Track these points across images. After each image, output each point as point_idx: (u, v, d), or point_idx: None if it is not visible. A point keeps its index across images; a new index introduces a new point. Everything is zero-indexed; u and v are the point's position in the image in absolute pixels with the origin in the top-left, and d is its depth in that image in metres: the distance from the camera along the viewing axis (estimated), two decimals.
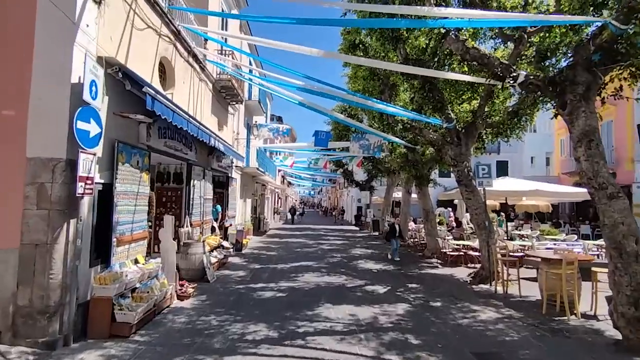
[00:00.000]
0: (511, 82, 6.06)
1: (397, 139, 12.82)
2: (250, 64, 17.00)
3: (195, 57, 9.55)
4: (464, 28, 6.66)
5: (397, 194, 23.43)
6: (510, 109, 9.32)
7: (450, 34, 6.42)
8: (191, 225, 9.16)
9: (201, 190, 10.12)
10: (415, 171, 13.14)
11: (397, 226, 12.74)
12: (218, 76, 11.68)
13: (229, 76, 11.63)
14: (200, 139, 8.15)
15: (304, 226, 29.12)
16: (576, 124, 5.45)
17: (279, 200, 43.06)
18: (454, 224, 18.43)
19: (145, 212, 6.63)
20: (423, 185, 13.29)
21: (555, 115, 6.32)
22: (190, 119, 7.56)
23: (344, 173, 27.06)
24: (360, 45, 11.11)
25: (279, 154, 21.56)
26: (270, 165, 25.00)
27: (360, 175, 29.50)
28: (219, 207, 12.46)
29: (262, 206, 25.84)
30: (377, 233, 21.92)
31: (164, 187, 9.20)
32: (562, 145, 31.20)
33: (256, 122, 14.80)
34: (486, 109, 9.07)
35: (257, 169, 17.50)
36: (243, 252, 13.48)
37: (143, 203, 6.48)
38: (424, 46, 8.69)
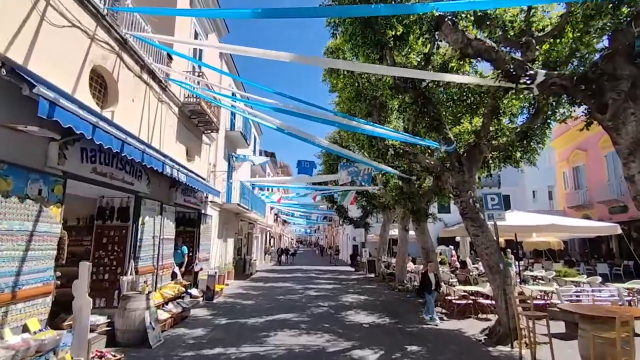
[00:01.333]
0: (528, 82, 4.67)
1: (389, 169, 11.38)
2: (233, 92, 16.00)
3: (152, 74, 8.29)
4: (463, 16, 5.39)
5: (394, 232, 21.69)
6: (518, 129, 7.94)
7: (446, 20, 5.13)
8: (137, 272, 7.42)
9: (156, 229, 8.46)
10: (412, 205, 11.57)
11: (431, 275, 9.43)
12: (186, 99, 10.41)
13: (198, 99, 10.36)
14: (155, 169, 6.66)
15: (295, 267, 26.99)
16: (623, 130, 4.01)
17: (272, 240, 40.98)
18: (458, 264, 16.57)
19: (50, 258, 4.96)
20: (421, 221, 11.67)
21: (588, 125, 4.88)
22: (134, 141, 6.10)
23: (337, 210, 25.41)
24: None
25: (266, 190, 20.07)
26: (258, 201, 23.42)
27: (354, 211, 27.88)
28: (184, 248, 10.73)
29: (249, 246, 23.93)
30: (373, 275, 19.91)
31: (105, 225, 7.56)
32: (564, 178, 29.98)
33: (232, 154, 13.43)
34: (491, 128, 7.68)
35: (239, 205, 15.89)
36: (215, 301, 11.55)
37: (44, 246, 4.83)
38: (415, 49, 7.46)
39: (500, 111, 7.49)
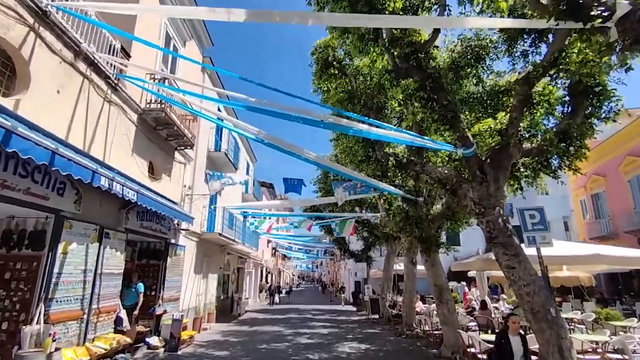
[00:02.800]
0: (603, 14, 2.92)
1: (391, 188, 9.53)
2: (218, 108, 14.53)
3: (94, 66, 6.71)
4: None
5: (400, 266, 19.42)
6: (556, 128, 6.14)
7: None
8: (47, 319, 5.42)
9: (89, 260, 6.53)
10: (419, 232, 9.59)
11: (515, 339, 5.44)
12: (148, 105, 8.81)
13: (163, 105, 8.76)
14: (80, 179, 4.91)
15: (291, 307, 24.41)
16: None
17: (269, 276, 38.33)
18: (475, 305, 14.20)
19: None
20: (431, 252, 9.63)
21: None
22: (36, 135, 4.38)
23: (336, 242, 23.26)
24: (335, 63, 8.43)
25: (255, 218, 18.12)
26: (250, 233, 21.38)
27: (356, 244, 25.68)
28: (140, 286, 8.69)
29: (239, 283, 21.62)
30: (376, 316, 17.45)
31: (11, 255, 5.66)
32: (583, 207, 27.83)
33: (207, 172, 11.69)
34: (522, 125, 5.91)
35: (222, 235, 13.93)
36: (180, 352, 9.33)
37: None
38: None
39: (534, 101, 5.73)
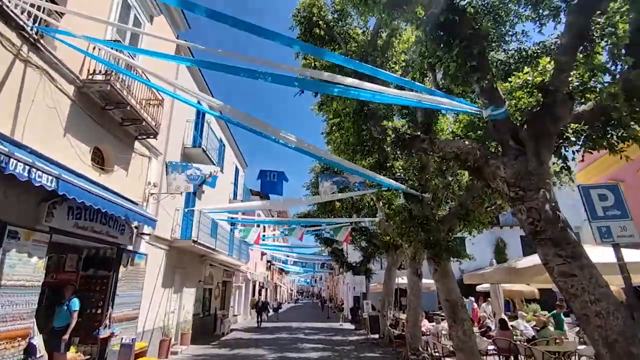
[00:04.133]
0: None
1: (391, 181, 7.78)
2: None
3: None
4: None
5: (403, 279, 17.48)
6: (623, 78, 4.40)
7: None
8: None
9: None
10: (426, 235, 7.78)
11: None
12: (90, 76, 7.15)
13: (108, 75, 7.10)
14: None
15: (283, 325, 22.31)
16: None
17: (264, 291, 36.17)
18: (490, 323, 12.27)
19: None
20: (441, 260, 7.78)
21: None
22: None
23: (332, 253, 21.36)
24: (321, 23, 6.81)
25: (243, 226, 16.34)
26: (238, 242, 19.52)
27: (354, 255, 23.77)
28: (74, 302, 6.85)
29: (224, 299, 19.62)
30: (376, 335, 15.45)
31: None
32: None
33: (170, 161, 9.92)
34: (572, 74, 4.21)
35: (196, 243, 12.11)
36: None
37: None
38: None
39: (594, 36, 4.03)
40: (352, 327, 20.85)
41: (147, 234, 9.67)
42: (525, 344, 8.90)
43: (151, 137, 9.35)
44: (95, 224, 7.40)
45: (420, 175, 8.25)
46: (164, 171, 10.62)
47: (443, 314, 18.84)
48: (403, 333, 12.60)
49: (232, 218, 15.09)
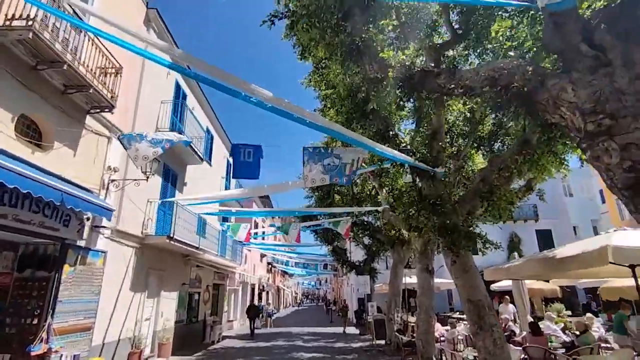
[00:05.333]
0: None
1: (396, 153, 6.18)
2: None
3: None
4: None
5: (412, 279, 15.81)
6: None
7: None
8: None
9: None
10: (441, 219, 6.16)
11: None
12: (8, 22, 5.62)
13: (34, 21, 5.57)
14: None
15: (283, 330, 20.68)
16: None
17: (265, 295, 34.57)
18: (515, 328, 10.57)
19: None
20: (460, 249, 6.13)
21: None
22: None
23: (334, 252, 19.71)
24: None
25: (227, 221, 14.78)
26: (230, 242, 17.97)
27: (357, 254, 22.12)
28: None
29: (217, 304, 18.04)
30: (382, 341, 13.78)
31: None
32: (620, 207, 24.16)
33: (124, 134, 8.28)
34: None
35: (171, 239, 10.55)
36: None
37: None
38: None
39: None
40: (357, 331, 19.17)
41: (104, 228, 8.12)
42: (564, 354, 7.23)
43: (106, 110, 7.81)
44: (21, 210, 5.86)
45: (432, 144, 6.63)
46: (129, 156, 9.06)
47: (456, 316, 17.17)
48: (413, 339, 10.94)
49: (221, 211, 13.50)
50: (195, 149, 12.74)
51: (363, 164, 6.74)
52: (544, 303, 17.72)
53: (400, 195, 7.25)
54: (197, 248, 12.59)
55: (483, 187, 6.45)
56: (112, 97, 7.76)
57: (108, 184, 8.39)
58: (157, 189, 11.09)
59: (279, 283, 47.36)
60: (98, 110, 7.74)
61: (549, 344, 8.06)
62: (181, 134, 11.56)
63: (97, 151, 8.00)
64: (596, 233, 28.74)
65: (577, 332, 8.15)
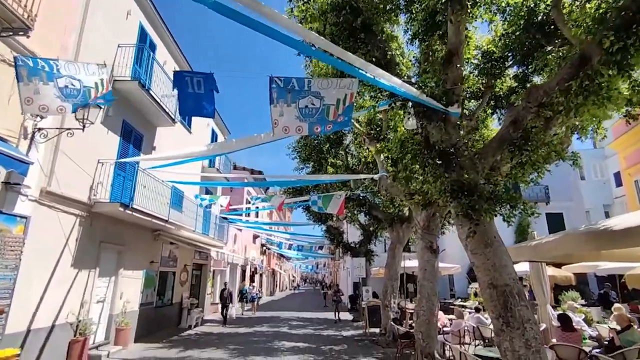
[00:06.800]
0: None
1: (396, 81, 4.41)
2: None
3: None
4: None
5: (412, 262, 14.21)
6: None
7: None
8: None
9: None
10: (456, 175, 4.44)
11: None
12: None
13: None
14: None
15: (272, 314, 19.27)
16: None
17: (259, 277, 33.24)
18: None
19: None
20: (481, 215, 4.42)
21: None
22: None
23: (327, 232, 18.11)
24: None
25: (209, 194, 13.12)
26: (214, 219, 16.38)
27: (353, 235, 20.55)
28: None
29: (198, 285, 16.56)
30: (377, 329, 12.27)
31: None
32: (639, 189, 22.38)
33: (17, 57, 6.42)
34: None
35: (127, 208, 8.89)
36: None
37: None
38: None
39: None
40: (350, 317, 17.72)
41: (26, 187, 6.43)
42: (608, 355, 5.59)
43: (20, 34, 6.01)
44: None
45: (446, 71, 4.85)
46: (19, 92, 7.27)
47: (457, 304, 15.62)
48: (410, 330, 9.37)
49: (197, 181, 11.81)
50: (165, 108, 10.98)
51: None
52: (553, 291, 16.18)
53: (402, 144, 5.48)
54: (166, 222, 10.95)
55: (514, 133, 4.69)
56: (28, 16, 5.96)
57: (33, 133, 6.66)
58: (113, 149, 9.37)
59: (275, 266, 46.14)
60: (10, 33, 5.95)
61: (583, 341, 6.46)
62: (145, 88, 9.79)
63: (12, 89, 6.24)
64: (608, 217, 27.05)
65: (618, 328, 6.51)
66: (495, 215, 4.46)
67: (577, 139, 6.87)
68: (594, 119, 4.86)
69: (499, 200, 4.44)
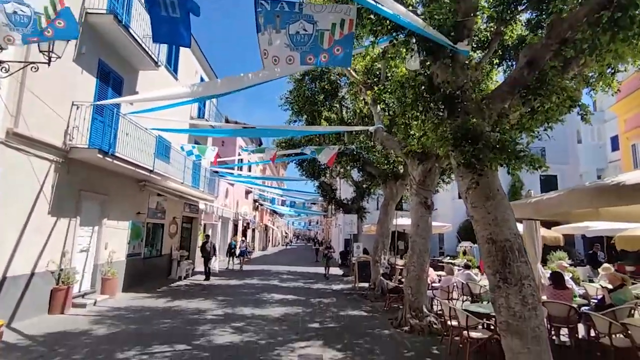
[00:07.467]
0: None
1: (401, 10, 3.80)
2: None
3: None
4: None
5: (404, 220, 14.12)
6: None
7: None
8: None
9: None
10: (459, 122, 3.98)
11: None
12: None
13: None
14: None
15: (263, 268, 19.48)
16: None
17: (252, 232, 33.51)
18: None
19: None
20: (485, 165, 4.02)
21: None
22: None
23: (320, 187, 17.85)
24: None
25: (196, 144, 12.56)
26: (203, 172, 15.94)
27: (346, 192, 20.42)
28: None
29: (189, 238, 16.46)
30: (366, 285, 12.36)
31: None
32: (635, 153, 22.22)
33: None
34: None
35: (106, 154, 8.39)
36: None
37: None
38: None
39: None
40: (341, 272, 17.97)
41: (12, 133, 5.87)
42: (594, 312, 5.49)
43: None
44: None
45: (457, 1, 4.23)
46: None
47: (446, 261, 15.78)
48: (400, 285, 9.37)
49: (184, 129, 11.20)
50: (147, 48, 10.12)
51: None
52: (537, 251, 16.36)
53: (401, 86, 4.95)
54: (151, 172, 10.49)
55: (529, 75, 4.18)
56: None
57: None
58: (90, 92, 8.68)
59: (268, 222, 46.55)
60: None
61: (573, 299, 6.39)
62: (122, 24, 8.90)
63: None
64: None
65: (610, 287, 6.42)
66: (501, 166, 4.07)
67: (588, 93, 6.40)
68: (610, 69, 4.36)
69: (506, 150, 4.03)
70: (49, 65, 6.09)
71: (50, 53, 6.00)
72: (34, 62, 6.13)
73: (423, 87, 4.45)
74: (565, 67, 4.22)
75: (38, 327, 6.43)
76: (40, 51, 5.97)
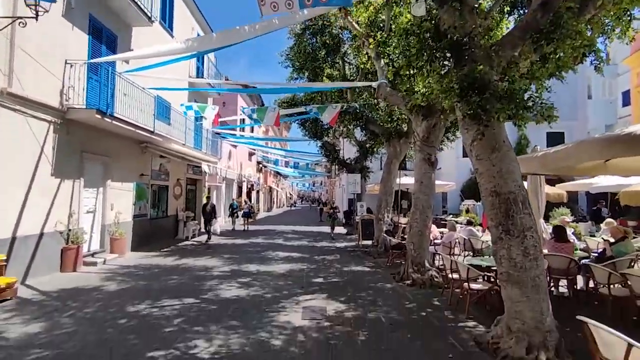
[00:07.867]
0: None
1: None
2: None
3: None
4: None
5: (405, 177, 14.11)
6: None
7: None
8: None
9: None
10: (467, 70, 3.78)
11: None
12: None
13: None
14: None
15: (267, 228, 19.85)
16: None
17: (256, 194, 33.80)
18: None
19: None
20: (492, 115, 3.88)
21: None
22: None
23: (323, 147, 17.69)
24: None
25: (195, 103, 12.32)
26: (205, 134, 15.81)
27: (350, 152, 20.29)
28: None
29: (194, 199, 16.65)
30: (370, 242, 12.58)
31: None
32: None
33: None
34: None
35: (104, 115, 8.25)
36: None
37: None
38: None
39: None
40: (345, 231, 18.27)
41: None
42: (595, 263, 5.56)
43: None
44: None
45: None
46: None
47: (449, 219, 15.93)
48: (402, 242, 9.51)
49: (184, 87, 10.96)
50: (138, 2, 9.64)
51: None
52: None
53: (405, 35, 4.68)
54: (152, 133, 10.39)
55: (542, 18, 3.91)
56: None
57: None
58: (83, 49, 8.39)
59: (272, 184, 46.84)
60: None
61: (575, 252, 6.46)
62: None
63: None
64: None
65: (612, 240, 6.46)
66: (509, 118, 3.93)
67: (602, 42, 6.07)
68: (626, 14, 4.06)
69: (514, 99, 3.86)
70: (36, 19, 5.82)
71: (37, 7, 5.72)
72: (21, 17, 5.86)
73: (428, 34, 4.21)
74: (582, 9, 3.94)
75: (51, 284, 6.65)
76: (27, 5, 5.68)
